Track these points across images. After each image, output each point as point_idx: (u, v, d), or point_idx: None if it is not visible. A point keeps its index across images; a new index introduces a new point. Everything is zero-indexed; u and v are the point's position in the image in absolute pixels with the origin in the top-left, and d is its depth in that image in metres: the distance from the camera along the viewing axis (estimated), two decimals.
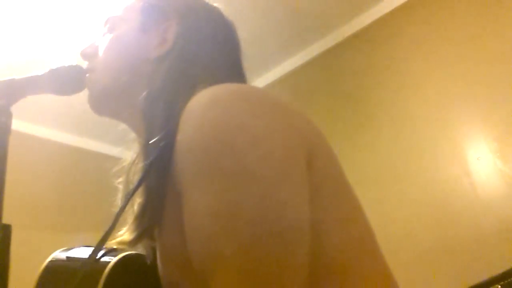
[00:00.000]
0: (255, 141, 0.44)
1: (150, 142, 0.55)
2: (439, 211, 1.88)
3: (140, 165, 0.60)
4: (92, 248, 0.61)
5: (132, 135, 0.71)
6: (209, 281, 0.41)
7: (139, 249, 0.64)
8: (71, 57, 0.73)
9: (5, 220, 0.55)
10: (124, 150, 0.72)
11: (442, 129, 1.97)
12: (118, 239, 0.60)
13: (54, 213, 2.62)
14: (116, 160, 0.69)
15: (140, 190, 0.56)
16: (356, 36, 2.37)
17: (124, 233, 0.59)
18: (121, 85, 0.65)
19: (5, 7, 1.95)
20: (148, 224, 0.54)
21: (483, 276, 1.49)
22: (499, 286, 1.38)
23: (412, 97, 2.11)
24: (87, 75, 0.69)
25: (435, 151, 1.97)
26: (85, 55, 0.71)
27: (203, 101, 0.48)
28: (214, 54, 0.66)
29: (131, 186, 0.63)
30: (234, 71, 0.69)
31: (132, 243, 0.57)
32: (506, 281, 1.39)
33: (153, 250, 0.63)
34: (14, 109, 0.65)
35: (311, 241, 0.44)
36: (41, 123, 2.64)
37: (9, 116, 0.62)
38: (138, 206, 0.56)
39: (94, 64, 0.69)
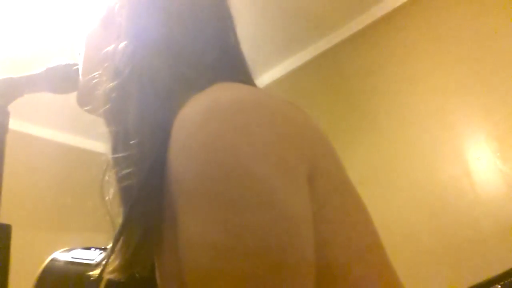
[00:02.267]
0: (253, 166, 0.40)
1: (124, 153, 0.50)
2: (439, 211, 1.88)
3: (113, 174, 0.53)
4: (91, 251, 0.60)
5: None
6: None
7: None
8: (68, 56, 0.73)
9: (5, 220, 0.55)
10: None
11: (442, 129, 1.97)
12: (109, 269, 0.54)
13: (54, 213, 2.62)
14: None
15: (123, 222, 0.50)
16: (356, 36, 2.37)
17: (113, 261, 0.53)
18: (92, 84, 0.61)
19: (2, 5, 1.95)
20: (134, 255, 0.49)
21: (483, 276, 1.49)
22: (499, 286, 1.38)
23: (412, 97, 2.11)
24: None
25: (435, 151, 1.97)
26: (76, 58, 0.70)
27: (194, 118, 0.43)
28: (191, 38, 0.54)
29: (108, 196, 0.57)
30: (225, 56, 0.58)
31: (123, 273, 0.52)
32: (506, 281, 1.39)
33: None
34: (14, 109, 0.65)
35: (316, 255, 0.42)
36: (41, 123, 2.64)
37: (6, 115, 0.62)
38: (123, 235, 0.50)
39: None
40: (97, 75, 0.58)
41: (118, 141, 0.52)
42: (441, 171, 1.93)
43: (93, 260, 0.60)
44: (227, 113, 0.43)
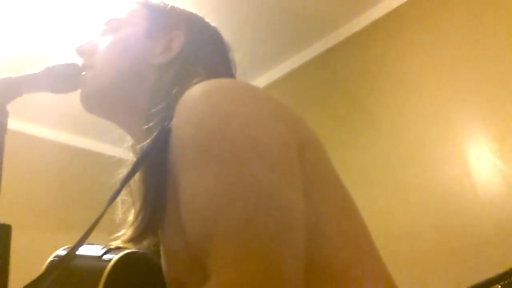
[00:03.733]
0: (249, 126, 0.46)
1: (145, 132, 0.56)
2: (439, 211, 1.88)
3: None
4: (95, 246, 0.61)
5: (129, 138, 0.71)
6: (206, 260, 0.41)
7: (143, 248, 0.64)
8: (67, 55, 0.72)
9: (5, 220, 0.55)
10: (124, 151, 0.72)
11: (442, 129, 1.97)
12: (121, 239, 0.59)
13: (54, 213, 2.62)
14: (116, 160, 0.69)
15: (140, 189, 0.56)
16: (355, 36, 2.37)
17: (127, 231, 0.59)
18: (119, 87, 0.66)
19: (2, 4, 1.95)
20: (149, 220, 0.54)
21: (483, 276, 1.49)
22: (499, 286, 1.38)
23: (412, 97, 2.11)
24: (83, 73, 0.68)
25: (435, 151, 1.97)
26: (81, 52, 0.71)
27: (196, 93, 0.50)
28: (212, 60, 0.70)
29: (134, 188, 0.63)
30: (228, 72, 0.73)
31: (136, 241, 0.57)
32: (506, 281, 1.39)
33: (157, 247, 0.63)
34: (14, 109, 0.65)
35: (305, 238, 0.44)
36: (41, 123, 2.64)
37: (5, 114, 0.62)
38: (139, 201, 0.56)
39: (91, 62, 0.69)
40: (129, 80, 0.66)
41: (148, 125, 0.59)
42: (441, 171, 1.93)
43: (96, 254, 0.61)
44: (224, 89, 0.50)
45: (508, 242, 1.65)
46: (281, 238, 0.40)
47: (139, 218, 0.55)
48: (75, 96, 0.71)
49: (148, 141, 0.55)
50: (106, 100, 0.67)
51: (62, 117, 2.48)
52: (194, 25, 0.72)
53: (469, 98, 1.93)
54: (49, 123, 2.66)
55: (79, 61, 0.71)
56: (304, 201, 0.46)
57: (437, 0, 2.13)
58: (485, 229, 1.74)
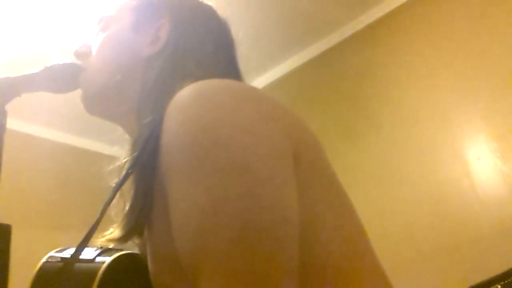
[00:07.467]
0: (239, 136, 0.44)
1: (137, 138, 0.55)
2: (439, 211, 1.88)
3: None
4: (88, 248, 0.60)
5: (127, 136, 0.71)
6: (196, 277, 0.41)
7: (133, 248, 0.64)
8: (66, 55, 0.73)
9: (5, 220, 0.55)
10: (121, 150, 0.72)
11: (442, 129, 1.97)
12: (107, 237, 0.59)
13: (54, 212, 2.62)
14: (115, 160, 0.69)
15: (130, 187, 0.55)
16: (356, 36, 2.37)
17: (114, 231, 0.58)
18: (113, 85, 0.65)
19: (1, 5, 1.95)
20: (137, 221, 0.54)
21: (483, 276, 1.49)
22: (499, 286, 1.38)
23: (412, 97, 2.11)
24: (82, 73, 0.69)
25: (435, 151, 1.97)
26: (78, 55, 0.71)
27: (186, 96, 0.48)
28: (208, 52, 0.66)
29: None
30: (230, 69, 0.69)
31: (121, 241, 0.56)
32: (506, 281, 1.39)
33: (143, 248, 0.62)
34: (14, 109, 0.65)
35: (300, 239, 0.43)
36: (41, 123, 2.64)
37: (4, 114, 0.62)
38: (128, 202, 0.55)
39: (87, 64, 0.69)
40: (121, 76, 0.64)
41: (141, 127, 0.58)
42: (441, 171, 1.93)
43: (90, 257, 0.60)
44: (213, 93, 0.48)
45: (508, 242, 1.65)
46: (274, 258, 0.39)
47: (127, 219, 0.54)
48: (75, 96, 0.71)
49: (138, 145, 0.54)
50: (103, 99, 0.67)
51: (62, 117, 2.48)
52: (181, 10, 0.68)
53: (469, 98, 1.93)
54: (49, 123, 2.66)
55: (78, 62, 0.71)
56: (298, 207, 0.44)
57: (437, 0, 2.13)
58: (485, 229, 1.74)
